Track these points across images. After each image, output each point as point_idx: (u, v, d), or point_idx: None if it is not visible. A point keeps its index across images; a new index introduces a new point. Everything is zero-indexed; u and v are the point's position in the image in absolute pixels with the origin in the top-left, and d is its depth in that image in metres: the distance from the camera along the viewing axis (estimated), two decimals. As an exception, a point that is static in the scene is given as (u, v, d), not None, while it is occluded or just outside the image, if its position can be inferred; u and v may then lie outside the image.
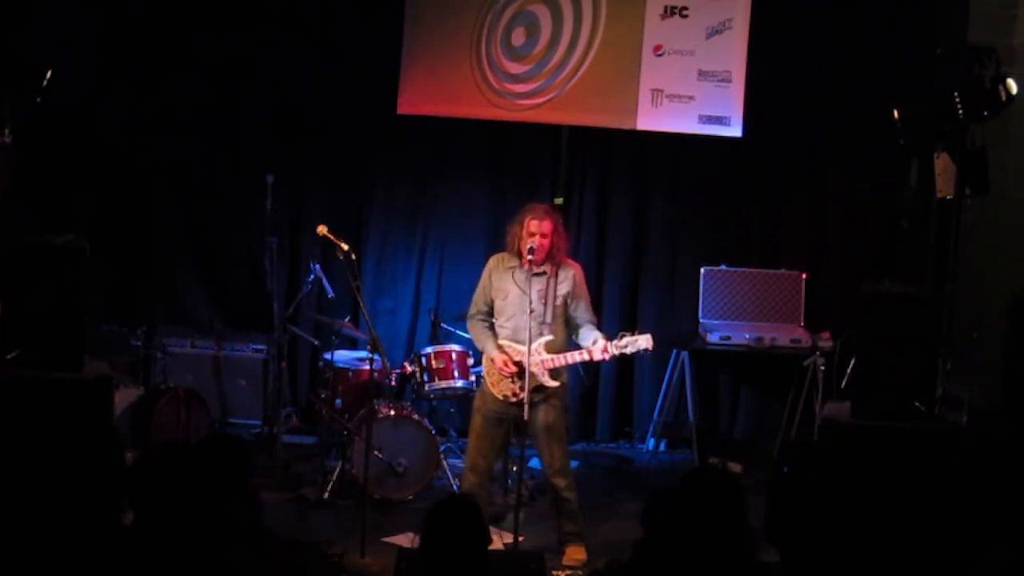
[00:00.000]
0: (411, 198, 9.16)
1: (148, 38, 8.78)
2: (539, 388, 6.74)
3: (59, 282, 6.24)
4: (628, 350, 6.75)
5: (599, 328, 6.94)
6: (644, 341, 6.71)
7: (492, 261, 6.98)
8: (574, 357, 6.82)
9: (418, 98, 8.76)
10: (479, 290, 6.98)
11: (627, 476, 8.64)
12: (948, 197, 7.34)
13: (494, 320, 6.92)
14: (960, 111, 6.86)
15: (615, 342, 6.72)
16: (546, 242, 6.73)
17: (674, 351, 8.65)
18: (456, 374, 7.85)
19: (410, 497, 7.56)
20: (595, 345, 6.74)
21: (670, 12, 8.58)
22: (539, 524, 7.17)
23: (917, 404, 6.44)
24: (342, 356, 8.10)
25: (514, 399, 6.75)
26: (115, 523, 4.10)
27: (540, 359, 6.72)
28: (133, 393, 7.96)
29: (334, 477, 7.66)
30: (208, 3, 8.80)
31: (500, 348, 6.82)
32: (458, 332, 8.15)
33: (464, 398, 8.03)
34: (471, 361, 7.87)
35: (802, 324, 8.72)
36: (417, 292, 9.14)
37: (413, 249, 9.16)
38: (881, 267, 8.39)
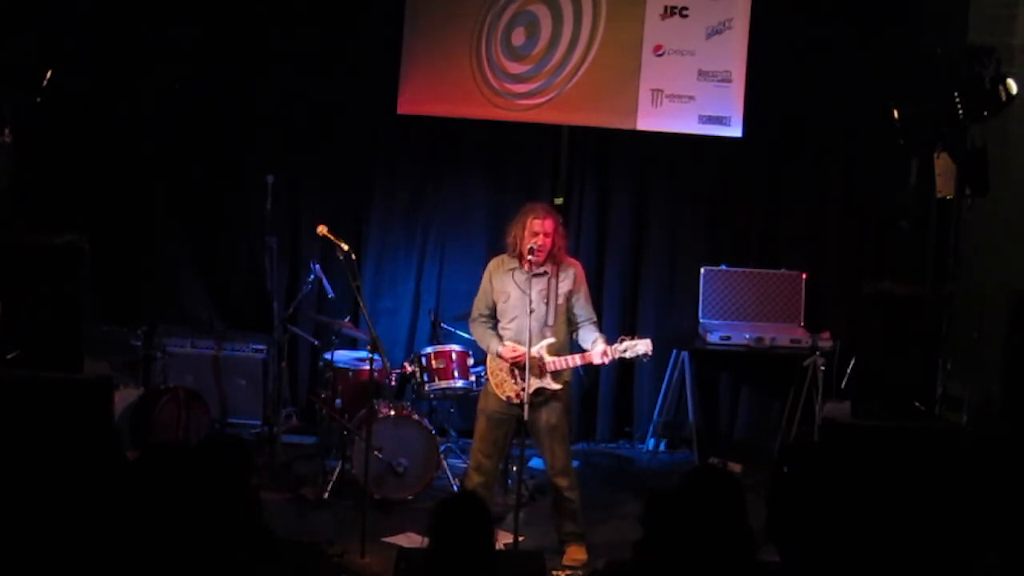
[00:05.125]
0: (411, 198, 9.14)
1: (148, 38, 8.77)
2: (541, 390, 6.73)
3: (59, 282, 6.24)
4: (627, 355, 6.71)
5: (599, 328, 6.92)
6: (643, 346, 6.67)
7: (492, 264, 6.97)
8: (575, 360, 6.78)
9: (418, 98, 8.76)
10: (480, 294, 6.97)
11: (627, 476, 8.64)
12: (948, 197, 7.34)
13: (497, 323, 6.90)
14: (960, 111, 6.85)
15: (614, 346, 6.69)
16: (548, 241, 6.70)
17: (674, 351, 8.66)
18: (456, 374, 7.85)
19: (410, 497, 7.56)
20: (595, 348, 6.71)
21: (670, 12, 8.58)
22: (539, 524, 7.17)
23: (917, 404, 6.45)
24: (342, 356, 8.09)
25: (517, 400, 6.72)
26: (115, 521, 4.09)
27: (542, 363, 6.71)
28: (133, 393, 7.95)
29: (334, 477, 7.66)
30: (208, 3, 8.80)
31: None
32: (458, 332, 8.15)
33: (464, 398, 8.03)
34: (471, 361, 7.87)
35: (802, 324, 8.71)
36: (417, 292, 9.13)
37: (413, 249, 9.15)
38: (881, 267, 8.39)
